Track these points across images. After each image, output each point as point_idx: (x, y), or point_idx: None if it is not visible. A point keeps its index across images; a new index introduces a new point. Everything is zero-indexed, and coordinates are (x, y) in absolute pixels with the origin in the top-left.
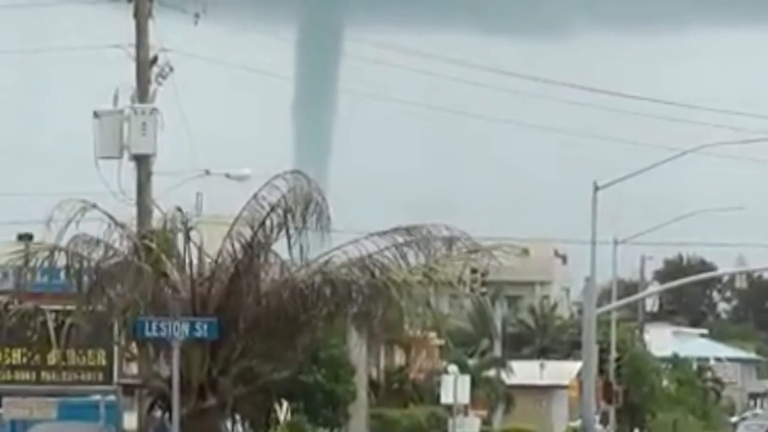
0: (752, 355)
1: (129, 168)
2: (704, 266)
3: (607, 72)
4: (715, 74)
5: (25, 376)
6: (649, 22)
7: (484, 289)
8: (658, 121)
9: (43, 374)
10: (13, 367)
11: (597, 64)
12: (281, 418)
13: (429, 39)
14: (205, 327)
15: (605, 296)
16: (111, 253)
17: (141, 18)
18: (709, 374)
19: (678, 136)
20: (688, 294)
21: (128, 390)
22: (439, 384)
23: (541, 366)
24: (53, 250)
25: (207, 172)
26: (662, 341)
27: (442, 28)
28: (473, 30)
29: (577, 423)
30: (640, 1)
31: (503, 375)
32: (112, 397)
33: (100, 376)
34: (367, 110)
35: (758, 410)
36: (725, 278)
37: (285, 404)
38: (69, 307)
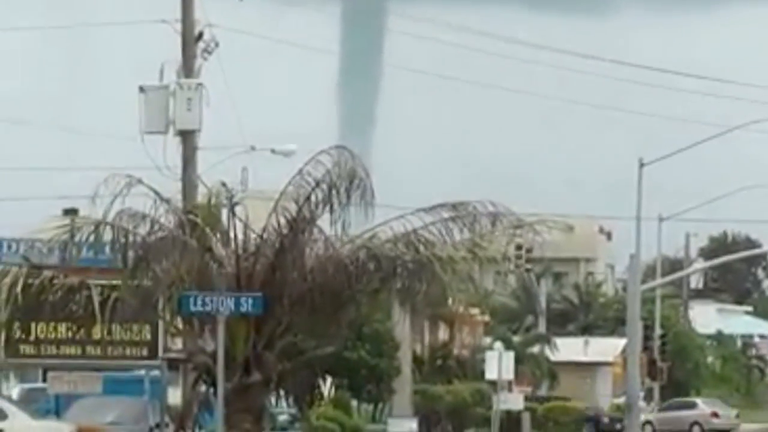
0: None
1: (174, 143)
2: (749, 243)
3: (652, 48)
4: (762, 49)
5: (71, 350)
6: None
7: (529, 266)
8: (704, 98)
9: (88, 349)
10: (58, 342)
11: (642, 40)
12: (325, 393)
13: (473, 15)
14: (250, 302)
15: (650, 273)
16: (156, 227)
17: None
18: (753, 351)
19: (724, 113)
20: (732, 271)
21: (173, 365)
22: (483, 360)
23: (586, 342)
24: (98, 224)
25: (252, 148)
26: (707, 318)
27: (485, 4)
28: (516, 6)
29: (622, 399)
30: None
31: (548, 351)
32: (156, 372)
33: (145, 351)
34: (411, 85)
35: None
36: None
37: (329, 380)
38: (114, 282)
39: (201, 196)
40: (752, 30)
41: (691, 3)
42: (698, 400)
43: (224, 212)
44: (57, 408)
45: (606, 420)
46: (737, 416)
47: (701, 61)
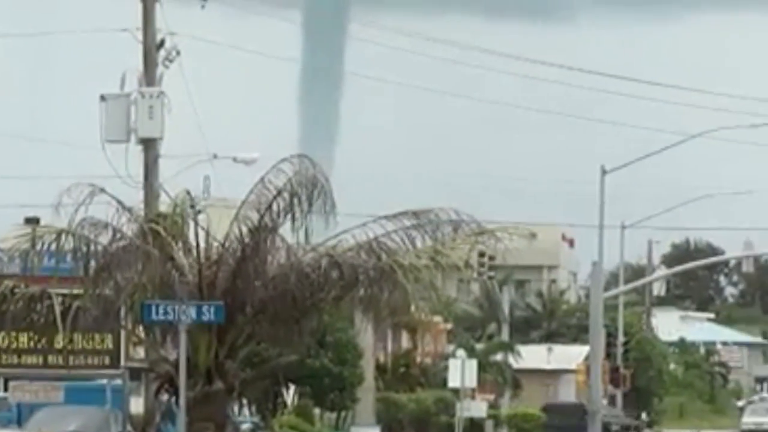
0: (759, 339)
1: (136, 152)
2: (711, 250)
3: (612, 57)
4: (722, 58)
5: (32, 360)
6: (655, 6)
7: (491, 273)
8: (666, 106)
9: (50, 358)
10: (20, 351)
11: (601, 49)
12: (288, 401)
13: (433, 22)
14: (212, 310)
15: (613, 280)
16: (118, 236)
17: (148, 1)
18: (715, 358)
19: (686, 121)
20: (695, 278)
21: (135, 374)
22: (446, 368)
23: (549, 350)
24: (60, 233)
25: (214, 156)
26: (669, 325)
27: (446, 12)
28: (477, 13)
29: None
30: None
31: (511, 359)
32: (118, 381)
33: (107, 360)
34: (373, 93)
35: (765, 394)
36: (732, 262)
37: (292, 388)
38: (76, 291)
39: (163, 205)
40: (713, 38)
41: (651, 11)
42: None
43: (187, 221)
44: (19, 417)
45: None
46: None
47: (662, 68)
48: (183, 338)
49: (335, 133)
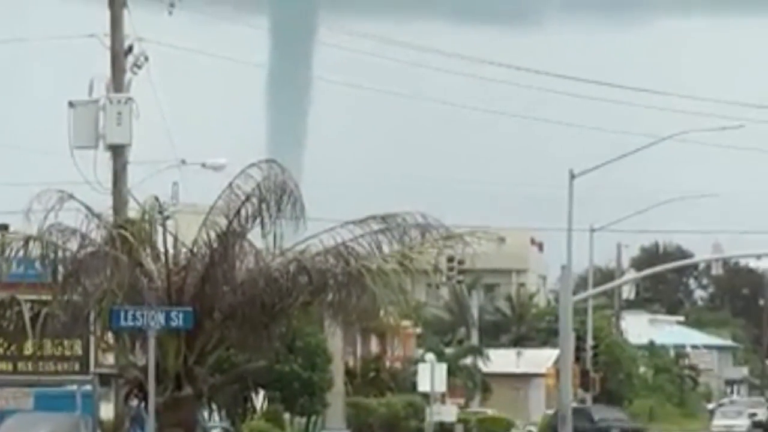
0: (728, 342)
1: (105, 158)
2: (681, 253)
3: (581, 60)
4: (688, 62)
5: (2, 366)
6: (621, 11)
7: (460, 278)
8: (633, 109)
9: (19, 364)
10: None
11: (570, 52)
12: (258, 406)
13: (400, 26)
14: (181, 316)
15: (582, 284)
16: (87, 242)
17: (115, 8)
18: (685, 361)
19: (654, 124)
20: (664, 281)
21: (104, 380)
22: (415, 372)
23: (518, 354)
24: (28, 239)
25: (183, 162)
26: (639, 329)
27: (412, 16)
28: (443, 17)
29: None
30: None
31: (480, 363)
32: (88, 387)
33: (77, 366)
34: (341, 97)
35: (735, 397)
36: (701, 265)
37: (261, 393)
38: (45, 297)
39: (132, 211)
40: (680, 41)
41: (618, 16)
42: None
43: (155, 227)
44: None
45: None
46: None
47: (631, 72)
48: (152, 344)
49: (303, 138)
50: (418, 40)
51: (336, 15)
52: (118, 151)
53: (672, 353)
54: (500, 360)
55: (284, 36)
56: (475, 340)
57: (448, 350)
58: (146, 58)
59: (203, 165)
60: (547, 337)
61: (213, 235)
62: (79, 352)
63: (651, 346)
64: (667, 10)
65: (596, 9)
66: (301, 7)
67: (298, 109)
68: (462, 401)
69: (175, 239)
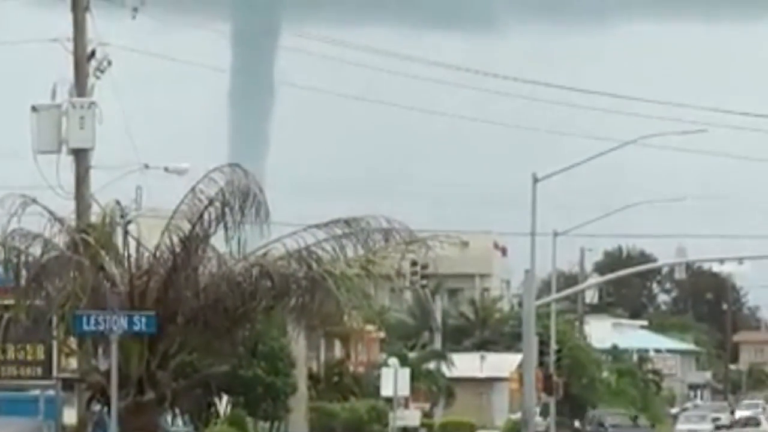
0: (691, 347)
1: (68, 162)
2: (644, 258)
3: (541, 65)
4: (652, 66)
5: None
6: (580, 14)
7: (424, 282)
8: (597, 113)
9: None
10: None
11: (531, 57)
12: (221, 411)
13: (363, 32)
14: (143, 321)
15: (545, 288)
16: (49, 247)
17: (78, 12)
18: (648, 366)
19: (618, 129)
20: (627, 286)
21: (67, 384)
22: (379, 377)
23: (482, 358)
24: None
25: (146, 166)
26: (602, 333)
27: (375, 22)
28: (407, 25)
29: (518, 415)
30: None
31: (444, 367)
32: (51, 392)
33: (39, 371)
34: (303, 102)
35: (698, 401)
36: (665, 270)
37: (225, 398)
38: (7, 302)
39: (95, 215)
40: (644, 46)
41: (579, 21)
42: None
43: (118, 231)
44: None
45: None
46: None
47: (595, 76)
48: (114, 348)
49: (266, 142)
50: (380, 45)
51: (298, 20)
52: (81, 156)
53: (635, 357)
54: (464, 364)
55: (246, 41)
56: (438, 344)
57: (412, 355)
58: (109, 63)
59: (166, 169)
60: (511, 341)
61: (176, 239)
62: (42, 356)
63: (614, 351)
64: (632, 14)
65: (559, 14)
66: (263, 12)
67: (260, 113)
68: (426, 406)
69: (138, 243)
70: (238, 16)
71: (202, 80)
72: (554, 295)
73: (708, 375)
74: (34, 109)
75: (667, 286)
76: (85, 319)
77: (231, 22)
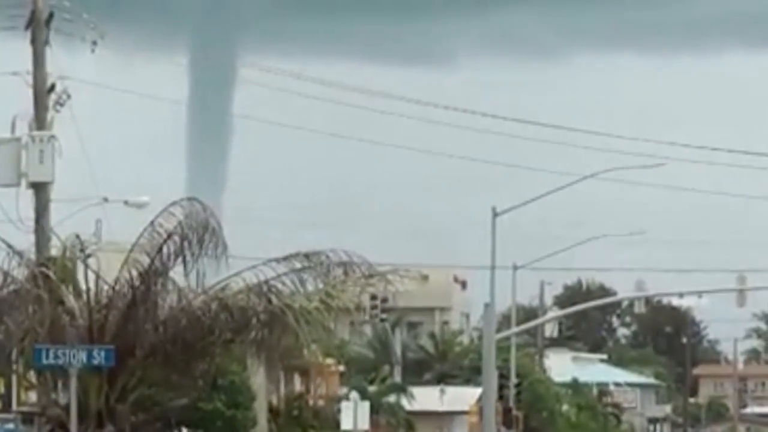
0: (651, 380)
1: (27, 195)
2: (603, 291)
3: (501, 99)
4: (611, 100)
5: None
6: (538, 49)
7: (383, 316)
8: (556, 147)
9: None
10: None
11: (490, 91)
12: None
13: (321, 66)
14: (102, 354)
15: (505, 322)
16: (9, 280)
17: (38, 45)
18: (608, 399)
19: (577, 163)
20: (587, 319)
21: (27, 418)
22: (339, 410)
23: (442, 392)
24: None
25: (105, 200)
26: (562, 366)
27: (333, 56)
28: (364, 58)
29: None
30: (529, 31)
31: (404, 401)
32: (11, 426)
33: None
34: (260, 135)
35: None
36: (624, 303)
37: (184, 431)
38: None
39: (54, 249)
40: (602, 79)
41: (537, 54)
42: None
43: (77, 264)
44: None
45: None
46: None
47: (552, 109)
48: (74, 382)
49: (223, 175)
50: (337, 78)
51: (255, 54)
52: (40, 189)
53: (595, 391)
54: (424, 398)
55: (203, 73)
56: (398, 377)
57: (372, 388)
58: (69, 96)
59: (126, 203)
60: (471, 374)
61: (135, 273)
62: (2, 390)
63: (574, 384)
64: (589, 47)
65: (515, 47)
66: (220, 45)
67: (218, 147)
68: None
69: (97, 277)
70: (194, 49)
71: (161, 113)
72: (514, 329)
73: (668, 408)
74: None
75: (627, 319)
76: (44, 353)
77: (188, 54)
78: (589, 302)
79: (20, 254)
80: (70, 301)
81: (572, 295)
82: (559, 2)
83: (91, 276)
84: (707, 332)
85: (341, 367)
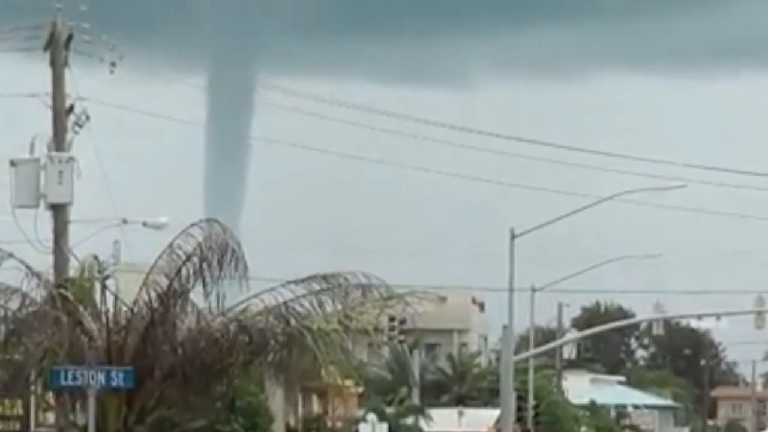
0: (669, 402)
1: (46, 216)
2: (622, 313)
3: (517, 119)
4: (630, 121)
5: None
6: (551, 68)
7: (402, 337)
8: (572, 169)
9: None
10: None
11: (506, 112)
12: None
13: (339, 88)
14: (121, 376)
15: (523, 344)
16: (27, 302)
17: (57, 67)
18: (626, 421)
19: (594, 183)
20: (605, 341)
21: None
22: None
23: (460, 414)
24: None
25: (124, 221)
26: (580, 388)
27: (350, 78)
28: (378, 80)
29: None
30: (542, 49)
31: (422, 423)
32: None
33: (17, 426)
34: (281, 157)
35: None
36: (643, 325)
37: None
38: None
39: (73, 270)
40: (621, 100)
41: (549, 74)
42: None
43: (96, 286)
44: None
45: None
46: None
47: (570, 130)
48: (92, 403)
49: (242, 197)
50: (356, 100)
51: (275, 75)
52: (59, 210)
53: (613, 413)
54: (442, 419)
55: (221, 95)
56: (416, 399)
57: (390, 410)
58: (87, 117)
59: (144, 224)
60: (489, 396)
61: (154, 294)
62: (20, 411)
63: (592, 406)
64: (607, 68)
65: (528, 68)
66: (239, 66)
67: (235, 168)
68: None
69: (116, 298)
70: (213, 71)
71: (180, 134)
72: (532, 351)
73: (686, 430)
74: (12, 163)
75: (645, 341)
76: (62, 374)
77: (206, 76)
78: (608, 324)
79: (39, 275)
80: (89, 322)
81: (590, 316)
82: (573, 22)
83: (110, 297)
84: (725, 354)
85: (359, 389)
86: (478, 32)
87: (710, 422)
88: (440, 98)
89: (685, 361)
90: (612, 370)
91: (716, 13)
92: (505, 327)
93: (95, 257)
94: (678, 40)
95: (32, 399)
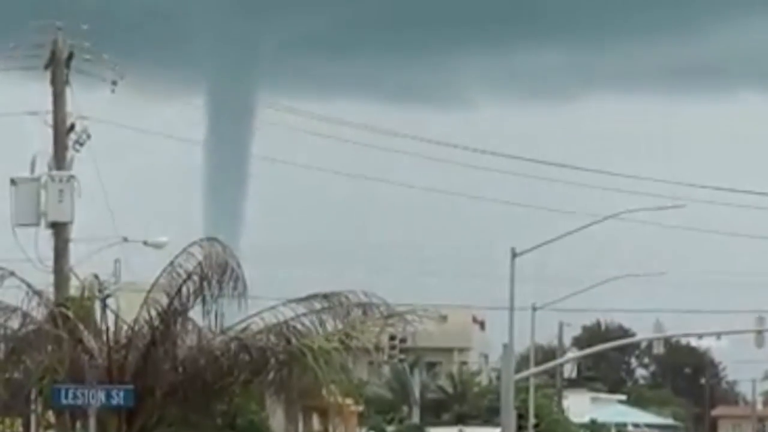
0: (670, 421)
1: (46, 235)
2: (622, 332)
3: (518, 138)
4: (628, 140)
5: None
6: (551, 89)
7: (402, 356)
8: (574, 188)
9: None
10: None
11: (508, 131)
12: None
13: (339, 107)
14: (121, 394)
15: (524, 362)
16: (28, 320)
17: (58, 85)
18: None
19: (595, 202)
20: (606, 360)
21: None
22: None
23: None
24: None
25: (125, 240)
26: (580, 407)
27: (350, 97)
28: (379, 99)
29: None
30: (545, 71)
31: None
32: None
33: None
34: (279, 174)
35: None
36: (643, 344)
37: None
38: None
39: (73, 289)
40: (620, 119)
41: (548, 95)
42: None
43: (96, 304)
44: None
45: None
46: None
47: (569, 150)
48: (92, 422)
49: (242, 216)
50: (356, 119)
51: (274, 94)
52: (59, 229)
53: None
54: None
55: (221, 113)
56: (416, 418)
57: (390, 429)
58: (88, 136)
59: (145, 243)
60: (489, 415)
61: (154, 313)
62: (20, 430)
63: (593, 425)
64: (606, 86)
65: (530, 87)
66: (239, 85)
67: (235, 187)
68: None
69: (116, 317)
70: (213, 90)
71: (181, 153)
72: (533, 369)
73: None
74: (12, 182)
75: (646, 360)
76: (63, 393)
77: (206, 95)
78: (608, 343)
79: (39, 294)
80: (89, 340)
81: (591, 335)
82: (576, 43)
83: (110, 316)
84: (726, 373)
85: (360, 408)
86: (481, 52)
87: None
88: (444, 119)
89: (685, 380)
90: (613, 389)
91: (706, 31)
92: (505, 346)
93: (96, 276)
94: (682, 61)
95: (32, 418)
